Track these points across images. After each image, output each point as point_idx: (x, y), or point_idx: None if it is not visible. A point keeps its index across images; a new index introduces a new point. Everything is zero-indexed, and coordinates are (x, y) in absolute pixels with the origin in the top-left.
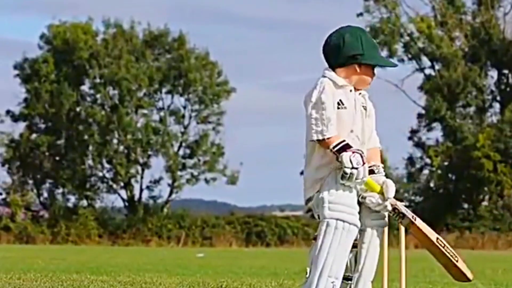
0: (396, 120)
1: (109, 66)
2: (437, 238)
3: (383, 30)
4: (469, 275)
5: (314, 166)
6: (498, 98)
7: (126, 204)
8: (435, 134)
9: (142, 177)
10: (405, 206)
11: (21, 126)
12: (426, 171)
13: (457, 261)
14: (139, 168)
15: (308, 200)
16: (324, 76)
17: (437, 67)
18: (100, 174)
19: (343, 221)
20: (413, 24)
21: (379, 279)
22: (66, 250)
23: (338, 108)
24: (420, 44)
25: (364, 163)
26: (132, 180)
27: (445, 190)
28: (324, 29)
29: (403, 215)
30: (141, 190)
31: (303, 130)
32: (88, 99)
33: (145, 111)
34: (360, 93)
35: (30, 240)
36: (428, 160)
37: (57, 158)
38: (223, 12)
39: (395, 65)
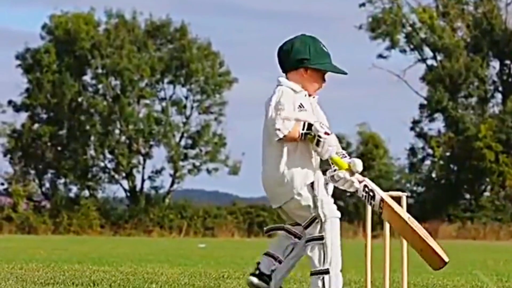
0: (398, 111)
1: (111, 56)
2: (409, 217)
3: (385, 21)
4: (445, 257)
5: (294, 165)
6: (500, 88)
7: (128, 194)
8: (437, 125)
9: (144, 168)
10: (407, 196)
11: (23, 116)
12: (428, 162)
13: (430, 242)
14: (141, 158)
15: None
16: (281, 85)
17: (439, 57)
18: (102, 164)
19: (336, 216)
20: (415, 15)
21: (381, 269)
22: (68, 240)
23: (300, 110)
24: (422, 35)
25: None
26: (134, 171)
27: (447, 180)
28: (327, 20)
29: (373, 194)
30: (143, 180)
31: None
32: (90, 89)
33: (147, 101)
34: (313, 97)
35: (32, 230)
36: (430, 151)
37: (59, 148)
38: (225, 3)
39: (345, 73)
